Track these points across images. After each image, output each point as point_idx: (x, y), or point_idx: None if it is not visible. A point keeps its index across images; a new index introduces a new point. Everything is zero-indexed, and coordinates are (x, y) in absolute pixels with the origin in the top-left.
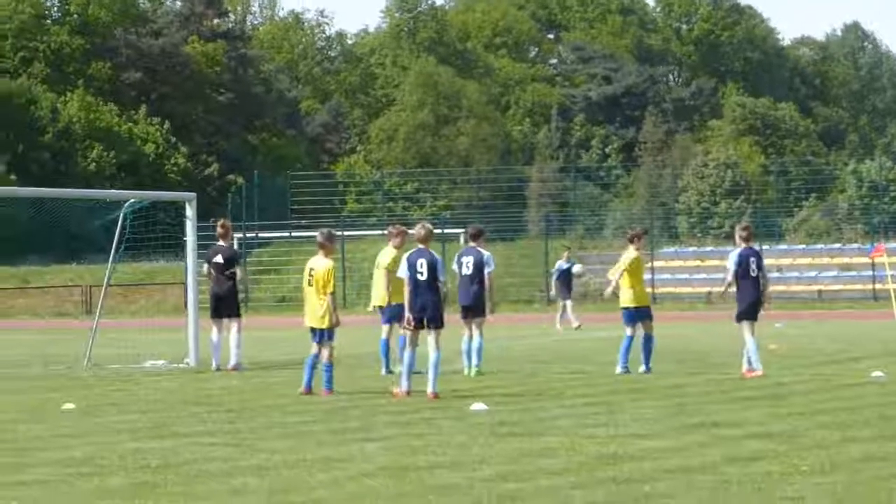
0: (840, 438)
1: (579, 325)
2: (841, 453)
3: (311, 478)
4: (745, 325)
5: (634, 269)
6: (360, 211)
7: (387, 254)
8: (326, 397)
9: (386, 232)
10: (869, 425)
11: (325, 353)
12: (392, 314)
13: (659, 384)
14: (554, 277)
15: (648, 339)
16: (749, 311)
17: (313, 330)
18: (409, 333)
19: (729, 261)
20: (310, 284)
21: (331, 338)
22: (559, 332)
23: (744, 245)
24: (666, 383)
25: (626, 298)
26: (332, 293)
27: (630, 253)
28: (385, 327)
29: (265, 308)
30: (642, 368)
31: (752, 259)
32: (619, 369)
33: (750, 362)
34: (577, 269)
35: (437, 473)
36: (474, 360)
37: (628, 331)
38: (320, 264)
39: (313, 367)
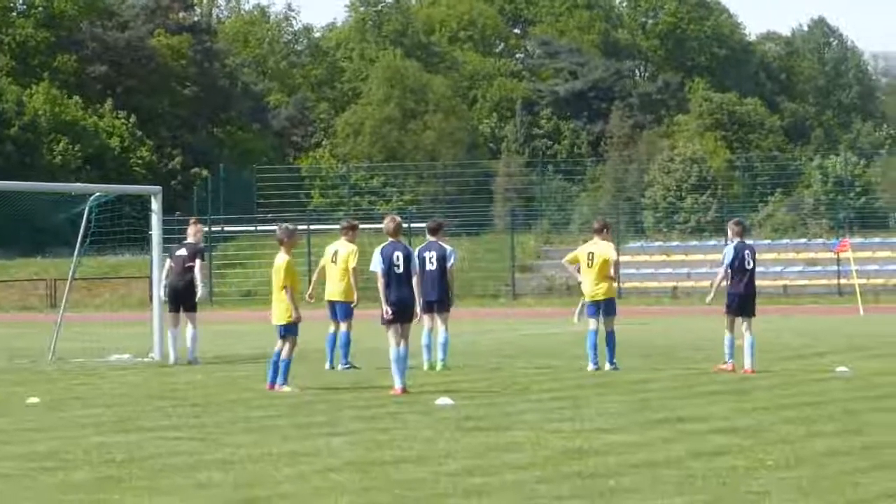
0: (805, 433)
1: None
2: (806, 448)
3: (277, 472)
4: (740, 319)
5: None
6: (327, 205)
7: (346, 249)
8: (275, 391)
9: (340, 227)
10: (833, 420)
11: (285, 348)
12: (348, 312)
13: (624, 379)
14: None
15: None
16: (745, 306)
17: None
18: (390, 328)
19: (724, 255)
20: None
21: (292, 332)
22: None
23: (737, 239)
24: (631, 378)
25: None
26: (287, 287)
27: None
28: (334, 322)
29: (230, 302)
30: (604, 366)
31: (746, 252)
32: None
33: (731, 356)
34: None
35: (403, 468)
36: (439, 355)
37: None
38: (278, 260)
39: (277, 362)
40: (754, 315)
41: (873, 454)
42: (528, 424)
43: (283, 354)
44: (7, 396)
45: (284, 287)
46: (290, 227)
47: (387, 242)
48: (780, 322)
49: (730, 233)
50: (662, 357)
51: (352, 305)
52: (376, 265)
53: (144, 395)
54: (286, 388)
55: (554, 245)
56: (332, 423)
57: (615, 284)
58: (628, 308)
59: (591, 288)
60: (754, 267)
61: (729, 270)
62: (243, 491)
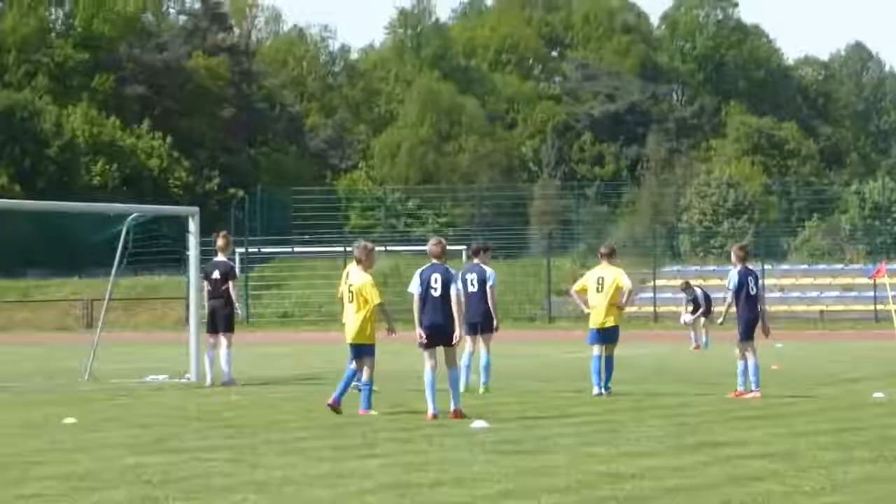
0: (841, 459)
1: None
2: (842, 474)
3: (312, 494)
4: (747, 344)
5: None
6: (363, 227)
7: (358, 277)
8: (361, 415)
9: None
10: (870, 446)
11: (364, 371)
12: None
13: (660, 403)
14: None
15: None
16: (750, 330)
17: (352, 345)
18: (426, 351)
19: (729, 281)
20: (350, 300)
21: (370, 354)
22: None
23: (740, 265)
24: (668, 402)
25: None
26: (380, 304)
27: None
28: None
29: (266, 323)
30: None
31: (750, 278)
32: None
33: (743, 383)
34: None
35: (439, 490)
36: (482, 378)
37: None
38: (359, 279)
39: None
40: (754, 339)
41: None
42: (564, 448)
43: (364, 377)
44: (44, 417)
45: (379, 304)
46: (369, 244)
47: (427, 265)
48: (816, 347)
49: (733, 258)
50: (698, 381)
51: None
52: (414, 287)
53: (180, 416)
54: (372, 412)
55: (590, 268)
56: (368, 445)
57: (622, 311)
58: (665, 332)
59: (601, 314)
60: (758, 293)
61: (735, 297)
62: None
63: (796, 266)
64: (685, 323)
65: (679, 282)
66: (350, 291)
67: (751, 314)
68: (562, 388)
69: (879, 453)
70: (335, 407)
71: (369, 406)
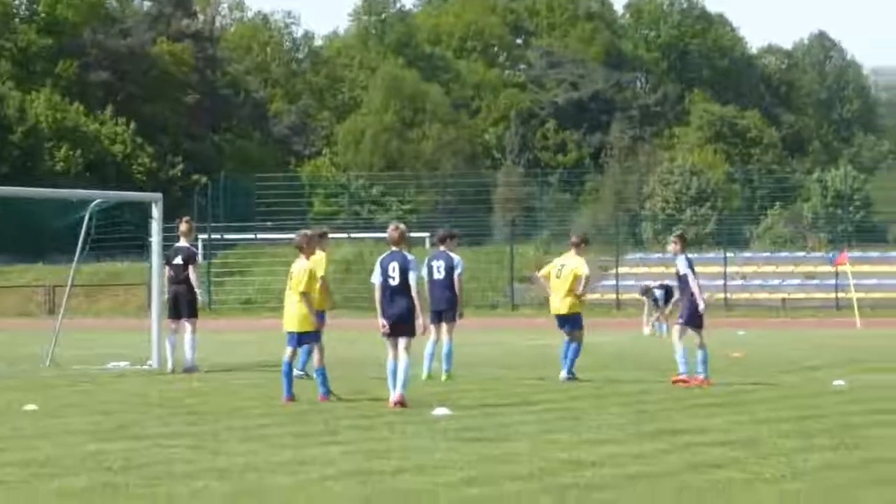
0: (802, 446)
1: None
2: (803, 461)
3: (274, 481)
4: (696, 331)
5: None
6: (327, 213)
7: (299, 267)
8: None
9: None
10: (830, 433)
11: (315, 356)
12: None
13: (621, 391)
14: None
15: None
16: (699, 318)
17: (291, 333)
18: (387, 341)
19: (684, 267)
20: (289, 288)
21: (316, 340)
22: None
23: (682, 253)
24: (628, 390)
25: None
26: (306, 294)
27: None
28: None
29: (229, 310)
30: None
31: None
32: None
33: (684, 368)
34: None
35: (401, 478)
36: (444, 365)
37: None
38: (297, 265)
39: (289, 373)
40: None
41: (870, 468)
42: (525, 435)
43: (316, 364)
44: (5, 403)
45: (303, 293)
46: (308, 231)
47: (387, 253)
48: (777, 335)
49: (676, 246)
50: (660, 369)
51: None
52: (375, 277)
53: (142, 403)
54: (333, 398)
55: (553, 255)
56: (330, 432)
57: (581, 300)
58: (627, 320)
59: (557, 301)
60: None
61: (686, 283)
62: (240, 500)
63: (758, 254)
64: (647, 334)
65: (643, 269)
66: (290, 278)
67: (698, 303)
68: (524, 375)
69: (840, 441)
70: (290, 400)
71: (328, 392)
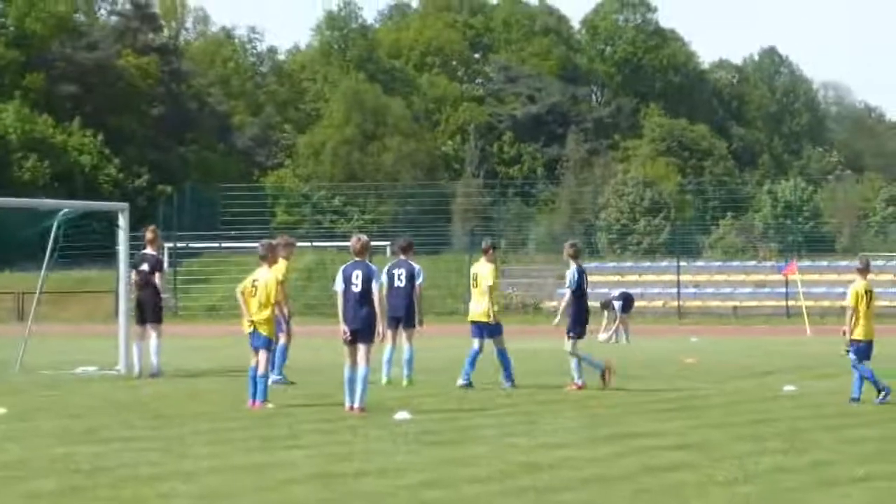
0: (753, 450)
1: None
2: (754, 464)
3: (238, 483)
4: (577, 341)
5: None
6: (290, 223)
7: (263, 275)
8: (256, 408)
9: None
10: (781, 437)
11: (261, 363)
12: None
13: (578, 396)
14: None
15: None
16: (584, 328)
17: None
18: (346, 348)
19: (568, 279)
20: (253, 295)
21: (268, 347)
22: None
23: (574, 263)
24: (585, 395)
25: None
26: (279, 303)
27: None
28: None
29: (194, 316)
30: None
31: (584, 276)
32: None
33: (580, 376)
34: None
35: (363, 481)
36: (404, 371)
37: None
38: (264, 276)
39: (254, 378)
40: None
41: (819, 471)
42: (485, 439)
43: (261, 371)
44: None
45: (277, 303)
46: (272, 241)
47: (350, 262)
48: (729, 342)
49: (566, 255)
50: (615, 375)
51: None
52: (338, 285)
53: (110, 407)
54: (269, 406)
55: (511, 265)
56: (293, 436)
57: (493, 306)
58: None
59: (472, 308)
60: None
61: (573, 294)
62: (205, 502)
63: (711, 263)
64: (602, 341)
65: (598, 278)
66: (254, 286)
67: (586, 311)
68: (483, 380)
69: (790, 445)
70: (259, 405)
71: (265, 398)
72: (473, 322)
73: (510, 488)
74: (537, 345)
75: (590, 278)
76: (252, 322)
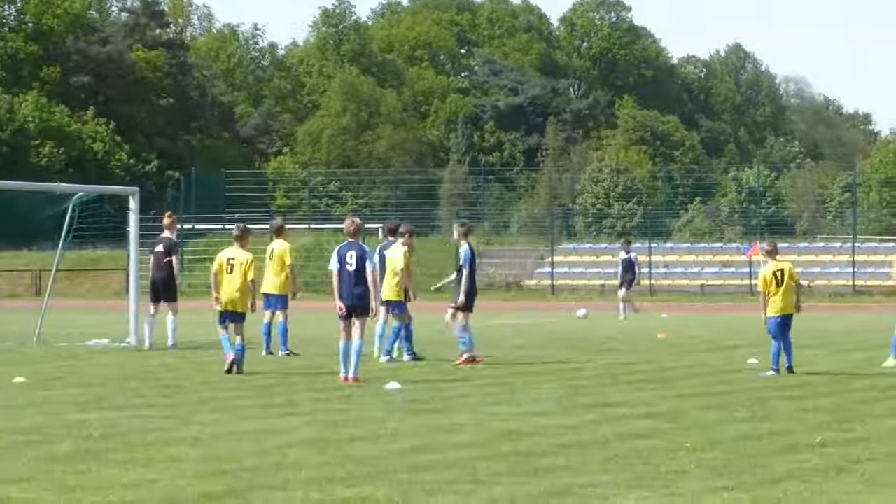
0: (719, 419)
1: (625, 317)
2: (720, 432)
3: (241, 448)
4: (467, 314)
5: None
6: (289, 206)
7: (281, 246)
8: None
9: (271, 226)
10: (744, 407)
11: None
12: (283, 303)
13: (556, 368)
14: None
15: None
16: (472, 303)
17: (231, 312)
18: (341, 322)
19: (462, 258)
20: (229, 272)
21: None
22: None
23: (465, 243)
24: (563, 367)
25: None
26: (253, 280)
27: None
28: (270, 312)
29: (199, 293)
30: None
31: (474, 255)
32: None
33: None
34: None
35: (356, 445)
36: (403, 345)
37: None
38: (241, 255)
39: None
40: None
41: (779, 438)
42: (469, 408)
43: (238, 341)
44: None
45: (252, 280)
46: (246, 225)
47: (344, 242)
48: (696, 318)
49: (456, 234)
50: (591, 349)
51: (289, 297)
52: (333, 263)
53: (121, 377)
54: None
55: (494, 246)
56: (291, 404)
57: (400, 288)
58: (560, 304)
59: (383, 289)
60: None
61: (464, 271)
62: (210, 464)
63: (680, 245)
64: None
65: (575, 258)
66: (230, 265)
67: (473, 287)
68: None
69: (753, 414)
70: (237, 370)
71: (240, 366)
72: (385, 301)
73: (492, 453)
74: (520, 320)
75: (566, 259)
76: (217, 299)
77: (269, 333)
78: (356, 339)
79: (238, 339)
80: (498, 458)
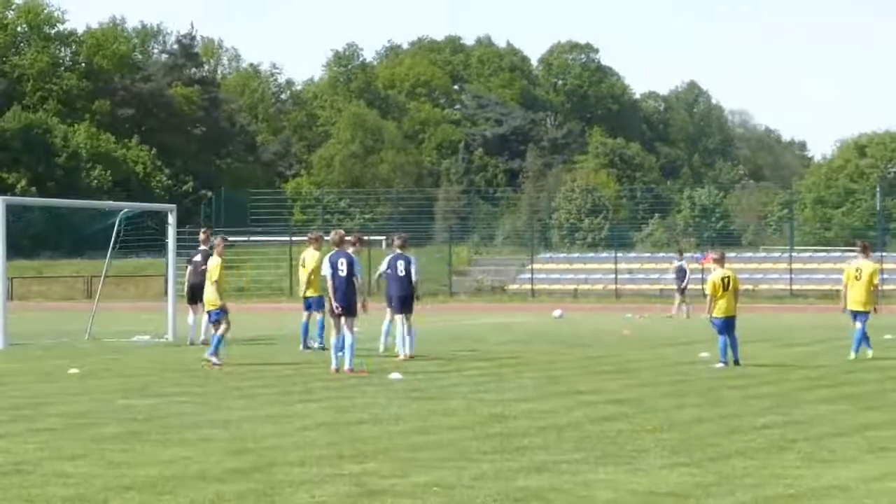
0: (676, 404)
1: (672, 315)
2: (677, 416)
3: (264, 430)
4: (403, 315)
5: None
6: (305, 221)
7: (311, 256)
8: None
9: (307, 237)
10: (698, 394)
11: (221, 327)
12: (320, 304)
13: (536, 360)
14: (674, 275)
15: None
16: (405, 304)
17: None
18: (333, 320)
19: (402, 266)
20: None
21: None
22: (675, 318)
23: (398, 251)
24: (541, 360)
25: None
26: (217, 282)
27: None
28: (307, 312)
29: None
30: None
31: (400, 262)
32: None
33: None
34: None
35: (363, 427)
36: (408, 343)
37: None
38: (212, 262)
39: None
40: (412, 312)
41: (728, 421)
42: (460, 395)
43: (219, 332)
44: (53, 367)
45: (216, 281)
46: (224, 237)
47: (333, 251)
48: (656, 317)
49: (395, 245)
50: (566, 344)
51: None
52: (326, 269)
53: (160, 368)
54: (219, 363)
55: (482, 255)
56: (307, 391)
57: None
58: (539, 305)
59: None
60: (408, 274)
61: (387, 277)
62: (237, 444)
63: (642, 254)
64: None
65: (552, 266)
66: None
67: (403, 292)
68: (459, 347)
69: (705, 399)
70: (218, 364)
71: (216, 357)
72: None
73: (481, 434)
74: (505, 319)
75: (544, 266)
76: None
77: (306, 331)
78: (348, 335)
79: (220, 331)
80: (485, 439)
